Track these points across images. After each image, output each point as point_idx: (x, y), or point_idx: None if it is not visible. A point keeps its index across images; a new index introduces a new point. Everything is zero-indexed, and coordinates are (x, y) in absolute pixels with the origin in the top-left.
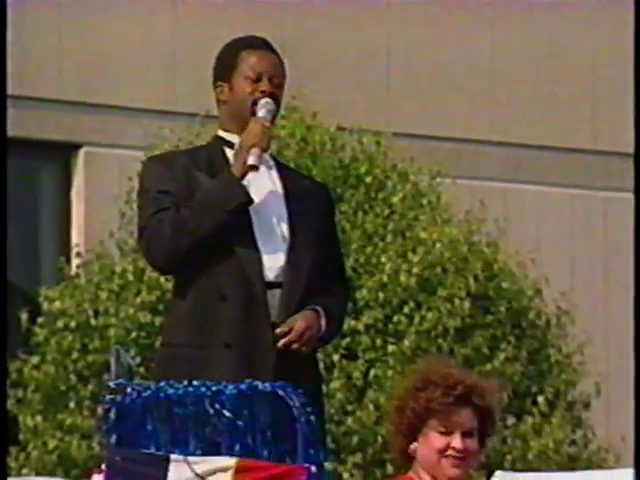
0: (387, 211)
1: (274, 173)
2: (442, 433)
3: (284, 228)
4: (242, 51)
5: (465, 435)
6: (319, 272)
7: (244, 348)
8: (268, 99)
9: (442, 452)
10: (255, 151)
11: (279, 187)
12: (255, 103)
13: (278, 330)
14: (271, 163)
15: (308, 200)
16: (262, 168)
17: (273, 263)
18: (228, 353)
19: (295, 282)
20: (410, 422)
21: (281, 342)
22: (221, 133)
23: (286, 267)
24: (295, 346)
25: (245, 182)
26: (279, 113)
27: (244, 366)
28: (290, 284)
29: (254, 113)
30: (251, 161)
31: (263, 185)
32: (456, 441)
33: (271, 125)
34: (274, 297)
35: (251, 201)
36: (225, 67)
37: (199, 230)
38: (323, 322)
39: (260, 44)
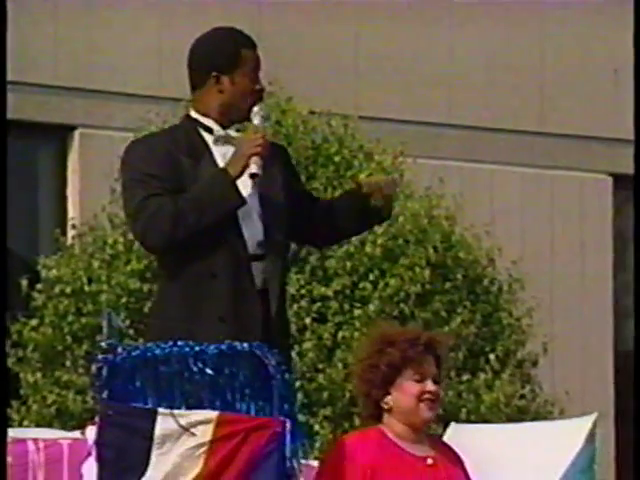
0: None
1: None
2: (417, 381)
3: (256, 206)
4: (242, 49)
5: (435, 382)
6: (295, 228)
7: (236, 320)
8: (261, 106)
9: (419, 397)
10: (257, 160)
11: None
12: (250, 106)
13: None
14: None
15: (271, 170)
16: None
17: (253, 239)
18: (222, 326)
19: (275, 251)
20: (385, 376)
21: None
22: (195, 115)
23: (264, 240)
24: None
25: (220, 162)
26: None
27: (237, 338)
28: (271, 254)
29: (240, 118)
30: (254, 170)
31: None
32: (429, 386)
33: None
34: (257, 268)
35: (244, 203)
36: (227, 61)
37: (197, 226)
38: None
39: (253, 43)
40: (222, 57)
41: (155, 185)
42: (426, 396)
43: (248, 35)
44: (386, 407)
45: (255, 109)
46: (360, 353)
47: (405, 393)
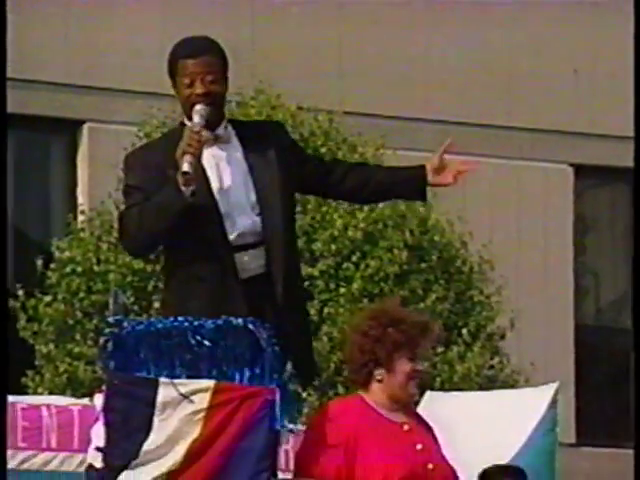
0: None
1: (235, 142)
2: (410, 359)
3: (252, 197)
4: (179, 60)
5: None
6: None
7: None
8: (201, 105)
9: (409, 375)
10: (187, 158)
11: (242, 159)
12: (192, 106)
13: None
14: (233, 135)
15: (268, 157)
16: (218, 148)
17: (244, 229)
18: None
19: (274, 236)
20: (386, 351)
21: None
22: (185, 121)
23: (263, 230)
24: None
25: (206, 163)
26: (223, 101)
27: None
28: (271, 239)
29: (190, 117)
30: (184, 168)
31: (224, 165)
32: (420, 366)
33: (202, 125)
34: (253, 255)
35: (195, 200)
36: (170, 73)
37: (153, 229)
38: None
39: (192, 51)
40: (169, 70)
41: (136, 196)
42: (416, 375)
43: (193, 42)
44: (378, 378)
45: (196, 108)
46: (362, 326)
47: (398, 370)
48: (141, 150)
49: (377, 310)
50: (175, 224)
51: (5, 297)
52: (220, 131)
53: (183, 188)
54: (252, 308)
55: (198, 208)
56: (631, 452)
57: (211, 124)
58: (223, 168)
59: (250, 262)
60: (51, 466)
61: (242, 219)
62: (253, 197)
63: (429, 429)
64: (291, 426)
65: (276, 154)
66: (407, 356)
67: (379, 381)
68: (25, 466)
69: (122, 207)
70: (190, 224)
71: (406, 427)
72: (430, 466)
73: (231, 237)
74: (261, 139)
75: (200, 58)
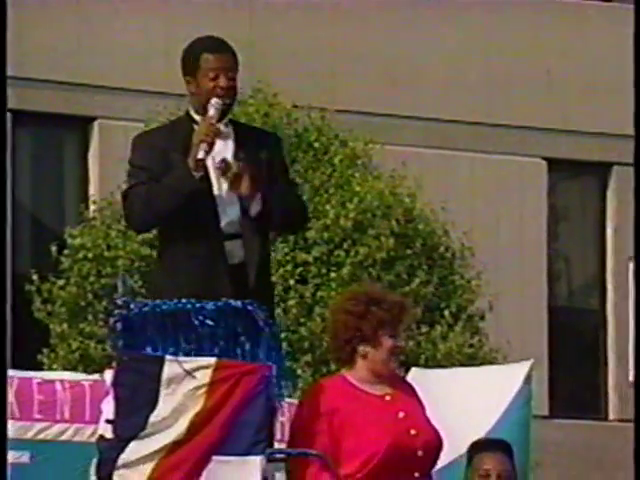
0: (330, 170)
1: (230, 142)
2: (391, 336)
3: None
4: (203, 53)
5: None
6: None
7: (210, 294)
8: (217, 99)
9: (391, 351)
10: (203, 146)
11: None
12: (209, 101)
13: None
14: (230, 132)
15: (254, 157)
16: (220, 141)
17: (231, 219)
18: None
19: (252, 228)
20: (369, 328)
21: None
22: (192, 113)
23: (241, 219)
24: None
25: (202, 156)
26: (236, 99)
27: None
28: (248, 231)
29: (204, 107)
30: (200, 155)
31: (219, 158)
32: (401, 342)
33: (217, 119)
34: (235, 245)
35: (202, 185)
36: (189, 66)
37: (162, 208)
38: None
39: (216, 46)
40: (187, 63)
41: (140, 175)
42: (398, 351)
43: (215, 38)
44: (362, 354)
45: (212, 101)
46: (344, 305)
47: (381, 346)
48: (147, 133)
49: (357, 291)
50: (182, 205)
51: (4, 280)
52: (222, 127)
53: (194, 173)
54: (236, 291)
55: (197, 193)
56: (598, 423)
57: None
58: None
59: (236, 250)
60: (65, 436)
61: (231, 209)
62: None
63: (413, 394)
64: (286, 400)
65: (266, 158)
66: (389, 333)
67: (363, 357)
68: (41, 436)
69: (127, 185)
70: (188, 208)
71: (388, 398)
72: (413, 432)
73: (222, 224)
74: (256, 145)
75: (225, 54)
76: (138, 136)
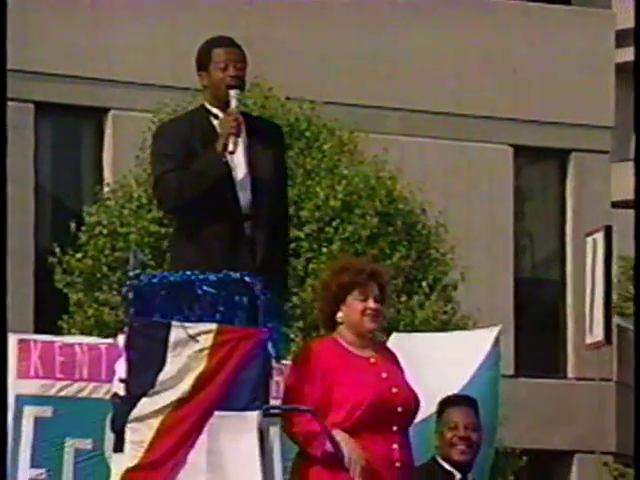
0: (320, 156)
1: (243, 133)
2: (361, 300)
3: (247, 176)
4: (213, 49)
5: (376, 301)
6: (275, 203)
7: (231, 267)
8: (236, 91)
9: (362, 312)
10: (232, 139)
11: (245, 143)
12: (229, 88)
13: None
14: (242, 125)
15: (266, 149)
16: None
17: (247, 202)
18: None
19: (262, 210)
20: (335, 295)
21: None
22: (207, 105)
23: (252, 202)
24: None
25: (232, 148)
26: (245, 87)
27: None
28: (259, 212)
29: (227, 102)
30: (230, 148)
31: (238, 148)
32: (371, 303)
33: (239, 106)
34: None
35: (230, 172)
36: (203, 61)
37: (194, 192)
38: None
39: (225, 42)
40: (201, 59)
41: (169, 163)
42: (368, 312)
43: (223, 37)
44: (339, 320)
45: (231, 93)
46: (323, 277)
47: (352, 309)
48: (170, 124)
49: (333, 264)
50: (211, 188)
51: (4, 250)
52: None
53: (223, 158)
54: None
55: (221, 177)
56: (558, 381)
57: (225, 105)
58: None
59: (249, 229)
60: (83, 393)
61: (245, 193)
62: (248, 176)
63: (394, 360)
64: (281, 362)
65: (272, 146)
66: (359, 297)
67: (341, 322)
68: (62, 393)
69: (154, 173)
70: (212, 190)
71: (372, 360)
72: (394, 390)
73: (241, 204)
74: (262, 132)
75: (232, 48)
76: (161, 127)
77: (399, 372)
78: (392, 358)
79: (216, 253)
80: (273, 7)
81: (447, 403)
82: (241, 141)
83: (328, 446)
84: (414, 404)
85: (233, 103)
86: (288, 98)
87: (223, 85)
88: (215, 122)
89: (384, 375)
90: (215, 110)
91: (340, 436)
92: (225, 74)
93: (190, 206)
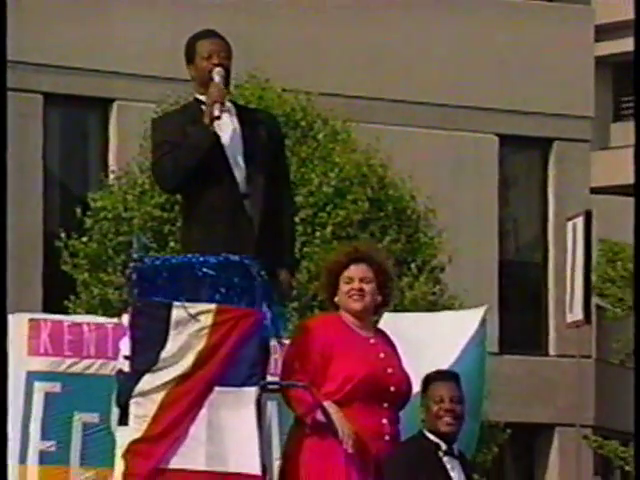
0: (314, 144)
1: (234, 119)
2: (347, 282)
3: (242, 157)
4: (197, 41)
5: (362, 281)
6: (272, 182)
7: (233, 242)
8: (219, 69)
9: (347, 293)
10: (217, 106)
11: (238, 130)
12: (210, 72)
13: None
14: (233, 111)
15: (259, 132)
16: (226, 116)
17: (242, 181)
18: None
19: (257, 189)
20: (330, 280)
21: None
22: (197, 96)
23: (247, 184)
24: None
25: (217, 126)
26: (232, 75)
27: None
28: (254, 191)
29: (212, 79)
30: (216, 113)
31: (229, 127)
32: (354, 284)
33: (224, 85)
34: (246, 204)
35: (218, 139)
36: (189, 54)
37: (188, 165)
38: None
39: (208, 34)
40: (187, 52)
41: (164, 147)
42: (352, 292)
43: (208, 30)
44: (336, 303)
45: (215, 70)
46: (322, 266)
47: (341, 291)
48: (164, 115)
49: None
50: (204, 159)
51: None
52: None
53: (211, 128)
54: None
55: (213, 158)
56: (540, 358)
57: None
58: (225, 130)
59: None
60: (91, 370)
61: (238, 172)
62: (242, 159)
63: (392, 344)
64: (278, 340)
65: (266, 133)
66: (345, 280)
67: (338, 305)
68: (71, 370)
69: (154, 158)
70: (206, 170)
71: (372, 340)
72: (389, 370)
73: (238, 180)
74: (256, 120)
75: (215, 39)
76: (157, 118)
77: (397, 358)
78: (390, 342)
79: (218, 232)
80: (271, 5)
81: (432, 378)
82: (234, 121)
83: (321, 418)
84: (407, 386)
85: (216, 78)
86: (284, 90)
87: (206, 71)
88: (204, 109)
89: (382, 355)
90: (203, 98)
91: (332, 409)
92: (209, 62)
93: (189, 184)
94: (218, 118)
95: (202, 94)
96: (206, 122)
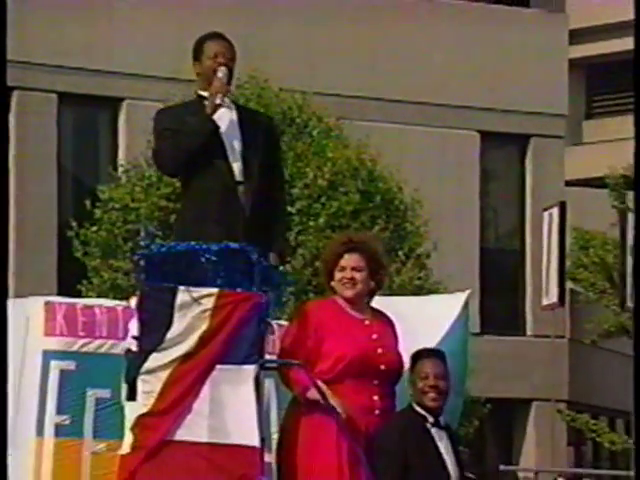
0: (309, 140)
1: (234, 113)
2: (340, 270)
3: (239, 147)
4: (205, 42)
5: (354, 270)
6: (266, 173)
7: (226, 226)
8: (222, 67)
9: (340, 281)
10: (219, 95)
11: (236, 123)
12: (215, 70)
13: None
14: (233, 107)
15: (256, 128)
16: (227, 110)
17: (238, 169)
18: (218, 230)
19: (251, 177)
20: (327, 268)
21: None
22: (200, 92)
23: (242, 172)
24: None
25: (217, 117)
26: (235, 76)
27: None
28: (247, 180)
29: (209, 83)
30: (217, 101)
31: (228, 120)
32: (347, 273)
33: (226, 81)
34: (240, 190)
35: (217, 127)
36: (197, 52)
37: (188, 148)
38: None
39: (216, 36)
40: (195, 51)
41: (164, 134)
42: (344, 281)
43: (216, 32)
44: (333, 289)
45: (219, 68)
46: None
47: (335, 279)
48: (167, 108)
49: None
50: (203, 145)
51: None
52: (224, 99)
53: (212, 117)
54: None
55: (211, 146)
56: (518, 338)
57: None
58: (223, 123)
59: (241, 195)
60: (102, 349)
61: (234, 161)
62: (240, 148)
63: (389, 324)
64: (275, 322)
65: (262, 131)
66: (338, 268)
67: (335, 291)
68: (84, 349)
69: (156, 144)
70: (204, 157)
71: (367, 322)
72: (380, 351)
73: (234, 170)
74: (254, 118)
75: (222, 41)
76: (160, 110)
77: (392, 337)
78: (387, 322)
79: (210, 214)
80: (270, 10)
81: (419, 356)
82: (234, 115)
83: (315, 394)
84: (397, 366)
85: (220, 74)
86: (281, 89)
87: (211, 70)
88: (206, 103)
89: (374, 336)
90: (206, 94)
91: (324, 387)
92: (214, 61)
93: (187, 168)
94: (219, 106)
95: (204, 90)
96: (208, 112)
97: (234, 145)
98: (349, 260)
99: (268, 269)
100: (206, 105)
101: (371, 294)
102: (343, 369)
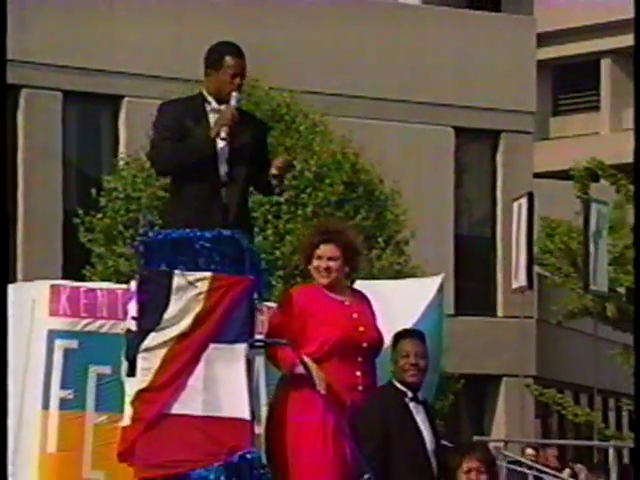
0: (297, 135)
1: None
2: (317, 259)
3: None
4: (227, 55)
5: (330, 259)
6: (251, 178)
7: (210, 222)
8: (237, 94)
9: (317, 268)
10: (225, 129)
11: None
12: (229, 93)
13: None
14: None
15: (246, 133)
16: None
17: (224, 172)
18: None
19: (236, 179)
20: (306, 256)
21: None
22: (204, 92)
23: (229, 172)
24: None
25: (224, 135)
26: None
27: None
28: (233, 181)
29: (228, 100)
30: (223, 135)
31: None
32: (322, 263)
33: (236, 108)
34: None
35: (214, 148)
36: (215, 61)
37: (183, 162)
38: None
39: (237, 52)
40: (212, 59)
41: (164, 132)
42: (320, 269)
43: (235, 45)
44: (310, 272)
45: (233, 94)
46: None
47: (313, 267)
48: (171, 102)
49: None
50: (200, 162)
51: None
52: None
53: (218, 144)
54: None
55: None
56: (490, 319)
57: (222, 100)
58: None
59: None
60: (104, 329)
61: (223, 165)
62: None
63: (367, 302)
64: (265, 304)
65: (252, 135)
66: (316, 256)
67: (312, 275)
68: (86, 329)
69: (153, 140)
70: (199, 161)
71: (347, 302)
72: (361, 329)
73: (221, 173)
74: (245, 121)
75: (242, 61)
76: (164, 103)
77: (370, 314)
78: (366, 303)
79: (193, 211)
80: (261, 11)
81: (400, 336)
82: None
83: (301, 370)
84: (378, 342)
85: (233, 102)
86: (271, 88)
87: (228, 89)
88: (208, 107)
89: (355, 316)
90: (210, 98)
91: (310, 363)
92: (233, 82)
93: (178, 172)
94: (223, 139)
95: (210, 94)
96: (212, 135)
97: (224, 149)
98: (325, 250)
99: (257, 255)
100: (213, 125)
101: (347, 277)
102: (329, 350)
